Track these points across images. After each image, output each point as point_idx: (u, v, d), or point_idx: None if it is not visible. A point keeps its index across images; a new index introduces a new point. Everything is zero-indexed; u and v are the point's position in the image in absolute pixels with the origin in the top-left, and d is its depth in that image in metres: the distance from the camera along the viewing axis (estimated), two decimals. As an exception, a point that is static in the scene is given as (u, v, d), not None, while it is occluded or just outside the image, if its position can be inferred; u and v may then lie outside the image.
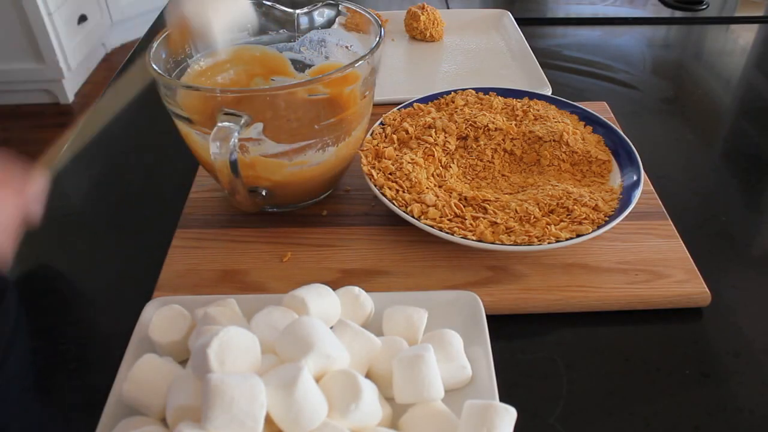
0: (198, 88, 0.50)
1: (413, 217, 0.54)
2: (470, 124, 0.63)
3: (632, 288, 0.51)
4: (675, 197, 0.63)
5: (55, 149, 0.54)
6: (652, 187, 0.62)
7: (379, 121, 0.65)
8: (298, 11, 0.62)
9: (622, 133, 0.63)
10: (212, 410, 0.32)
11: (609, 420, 0.43)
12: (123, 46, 2.71)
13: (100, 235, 0.62)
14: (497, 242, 0.51)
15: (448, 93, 0.70)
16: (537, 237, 0.51)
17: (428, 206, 0.55)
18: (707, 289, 0.51)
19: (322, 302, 0.43)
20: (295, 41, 0.64)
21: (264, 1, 0.61)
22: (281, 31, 0.63)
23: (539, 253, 0.55)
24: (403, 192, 0.56)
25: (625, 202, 0.55)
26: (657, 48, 0.99)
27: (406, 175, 0.57)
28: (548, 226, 0.52)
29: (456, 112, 0.66)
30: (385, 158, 0.60)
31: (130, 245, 0.59)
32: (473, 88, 0.71)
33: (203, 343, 0.35)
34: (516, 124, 0.65)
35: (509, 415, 0.36)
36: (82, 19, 1.85)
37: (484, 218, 0.53)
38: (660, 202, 0.61)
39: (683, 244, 0.56)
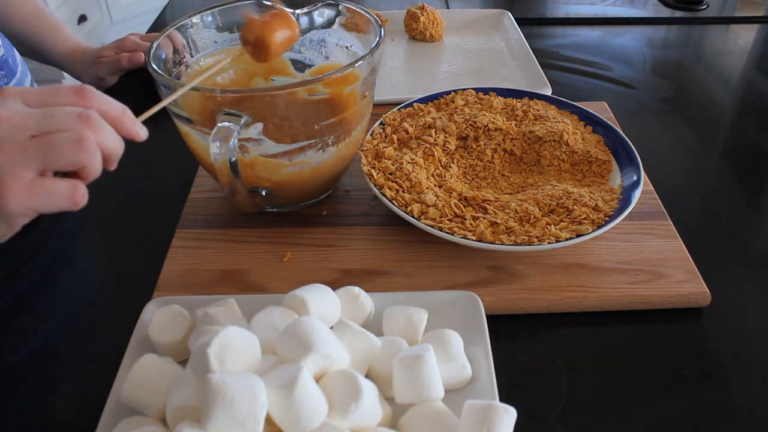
0: (198, 88, 0.50)
1: (413, 217, 0.54)
2: (470, 124, 0.63)
3: (632, 288, 0.51)
4: (675, 197, 0.63)
5: None
6: (652, 187, 0.62)
7: (379, 121, 0.65)
8: (298, 11, 0.62)
9: (622, 133, 0.63)
10: (213, 410, 0.32)
11: (609, 420, 0.43)
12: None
13: (100, 235, 0.62)
14: (497, 242, 0.51)
15: (448, 93, 0.70)
16: (537, 237, 0.51)
17: (428, 206, 0.54)
18: (707, 289, 0.51)
19: (322, 302, 0.43)
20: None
21: (264, 1, 0.61)
22: (281, 31, 0.63)
23: (539, 253, 0.55)
24: (403, 192, 0.56)
25: (625, 202, 0.55)
26: (657, 48, 0.99)
27: (406, 175, 0.57)
28: (548, 226, 0.52)
29: (456, 112, 0.66)
30: (385, 158, 0.60)
31: (130, 245, 0.59)
32: (473, 88, 0.71)
33: (203, 343, 0.35)
34: (516, 124, 0.65)
35: (509, 415, 0.36)
36: (82, 19, 1.85)
37: (484, 218, 0.53)
38: (660, 202, 0.61)
39: (683, 244, 0.56)
